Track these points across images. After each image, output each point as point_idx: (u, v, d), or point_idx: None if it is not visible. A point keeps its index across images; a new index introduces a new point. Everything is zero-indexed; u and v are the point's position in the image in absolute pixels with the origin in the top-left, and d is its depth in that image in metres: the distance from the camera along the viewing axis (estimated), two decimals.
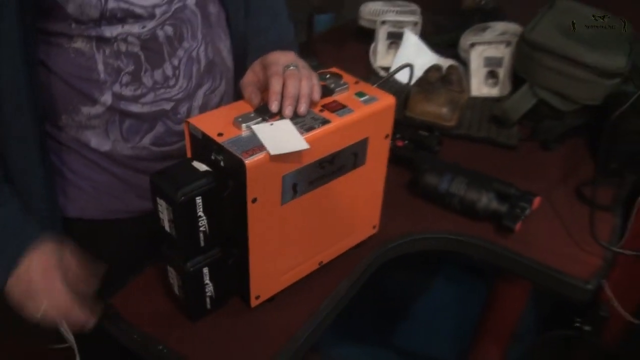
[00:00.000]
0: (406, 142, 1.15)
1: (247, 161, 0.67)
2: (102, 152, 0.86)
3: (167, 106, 0.85)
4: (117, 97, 0.82)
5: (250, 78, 0.82)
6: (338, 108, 0.78)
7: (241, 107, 0.77)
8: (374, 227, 0.94)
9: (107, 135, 0.85)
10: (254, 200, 0.70)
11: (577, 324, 1.31)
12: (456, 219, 1.01)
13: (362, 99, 0.80)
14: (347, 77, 0.85)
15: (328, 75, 0.85)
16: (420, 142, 1.16)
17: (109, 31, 0.77)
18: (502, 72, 1.39)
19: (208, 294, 0.77)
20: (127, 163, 0.88)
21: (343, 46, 1.67)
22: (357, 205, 0.87)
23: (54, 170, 0.86)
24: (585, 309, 1.35)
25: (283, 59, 0.79)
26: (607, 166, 1.14)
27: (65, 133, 0.85)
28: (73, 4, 0.74)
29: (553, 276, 0.93)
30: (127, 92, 0.82)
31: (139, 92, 0.82)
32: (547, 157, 1.20)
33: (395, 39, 1.54)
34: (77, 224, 0.91)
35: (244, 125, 0.72)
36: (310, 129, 0.73)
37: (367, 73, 1.50)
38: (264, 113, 0.74)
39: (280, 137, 0.71)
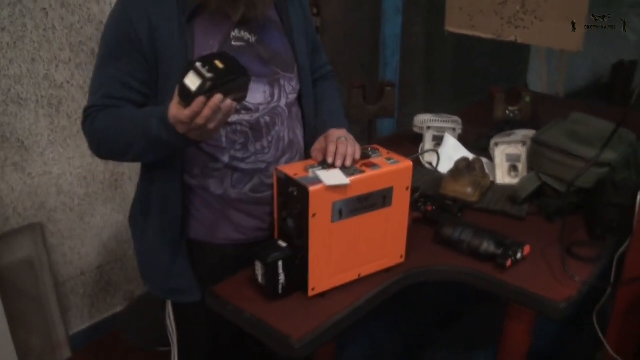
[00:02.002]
0: (434, 207, 1.53)
1: (311, 188, 1.09)
2: (216, 195, 1.30)
3: (262, 166, 1.30)
4: (232, 158, 1.27)
5: (317, 146, 1.27)
6: (371, 165, 1.20)
7: (309, 162, 1.21)
8: (401, 256, 1.31)
9: (222, 183, 1.29)
10: (314, 215, 1.11)
11: None
12: (465, 259, 1.36)
13: (389, 161, 1.22)
14: (382, 150, 1.27)
15: (369, 148, 1.27)
16: (446, 208, 1.54)
17: (230, 118, 1.24)
18: (521, 166, 1.76)
19: (281, 281, 1.17)
20: (232, 204, 1.32)
21: (399, 147, 2.09)
22: (387, 236, 1.26)
23: (184, 207, 1.31)
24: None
25: (337, 133, 1.24)
26: (594, 232, 1.47)
27: (195, 180, 1.30)
28: None
29: (535, 299, 1.25)
30: (239, 155, 1.27)
31: (246, 155, 1.28)
32: (548, 226, 1.53)
33: (438, 141, 1.96)
34: (195, 243, 1.34)
35: (310, 170, 1.15)
36: (351, 174, 1.15)
37: (417, 165, 1.91)
38: (324, 164, 1.17)
39: (333, 177, 1.13)
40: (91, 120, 1.19)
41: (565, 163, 1.59)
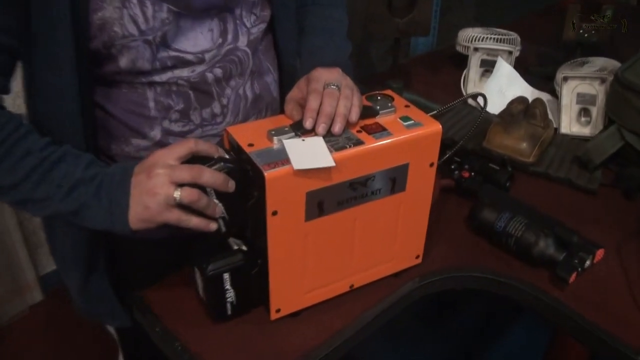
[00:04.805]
0: (473, 174, 1.10)
1: (267, 173, 0.68)
2: None
3: (213, 141, 0.86)
4: (166, 132, 0.84)
5: (294, 94, 0.82)
6: (377, 130, 0.76)
7: (279, 121, 0.78)
8: (417, 257, 0.91)
9: None
10: (274, 213, 0.71)
11: None
12: (509, 261, 0.95)
13: (406, 123, 0.78)
14: (398, 101, 0.83)
15: (379, 97, 0.84)
16: (490, 176, 1.10)
17: (159, 77, 0.80)
18: (595, 110, 1.29)
19: (229, 299, 0.79)
20: None
21: (437, 71, 1.64)
22: (397, 232, 0.85)
23: None
24: None
25: (326, 76, 0.79)
26: None
27: (115, 162, 0.86)
28: (126, 59, 0.76)
29: (601, 338, 0.84)
30: (176, 128, 0.84)
31: (187, 128, 0.84)
32: (628, 207, 1.10)
33: (488, 66, 1.49)
34: (124, 242, 0.90)
35: (275, 138, 0.73)
36: (341, 148, 0.72)
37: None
38: (298, 129, 0.74)
39: (309, 153, 0.71)
40: None
41: None
